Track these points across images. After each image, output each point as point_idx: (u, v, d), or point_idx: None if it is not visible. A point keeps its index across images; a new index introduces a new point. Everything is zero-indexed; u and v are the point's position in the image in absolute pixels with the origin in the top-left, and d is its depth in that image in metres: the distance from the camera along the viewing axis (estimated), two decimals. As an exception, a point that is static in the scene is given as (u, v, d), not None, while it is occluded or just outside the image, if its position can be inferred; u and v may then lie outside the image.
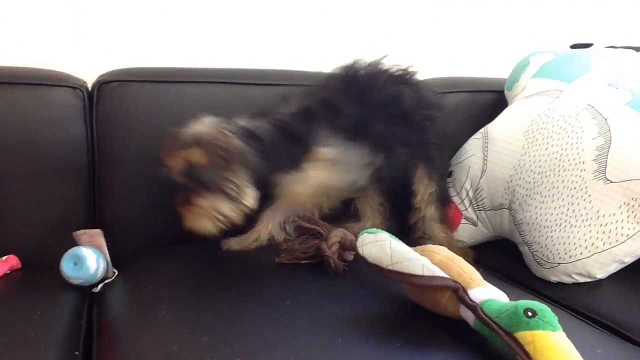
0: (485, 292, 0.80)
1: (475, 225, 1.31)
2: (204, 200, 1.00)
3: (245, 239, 1.18)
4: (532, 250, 1.16)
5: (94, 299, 1.05)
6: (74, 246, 1.15)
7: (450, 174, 1.36)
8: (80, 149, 1.21)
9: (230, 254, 1.16)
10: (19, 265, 1.15)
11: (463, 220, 1.32)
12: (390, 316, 0.87)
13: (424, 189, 1.25)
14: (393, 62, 1.26)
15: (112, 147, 1.24)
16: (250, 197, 1.02)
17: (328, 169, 1.13)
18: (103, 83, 1.23)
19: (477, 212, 1.30)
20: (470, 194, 1.30)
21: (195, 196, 1.00)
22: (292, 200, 1.16)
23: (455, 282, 0.81)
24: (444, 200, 1.28)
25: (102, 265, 1.05)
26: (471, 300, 0.78)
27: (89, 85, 1.24)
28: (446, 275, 0.82)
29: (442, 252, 0.88)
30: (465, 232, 1.33)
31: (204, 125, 1.03)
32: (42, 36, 1.35)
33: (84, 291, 1.06)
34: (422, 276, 0.81)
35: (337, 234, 1.08)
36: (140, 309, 0.93)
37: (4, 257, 1.13)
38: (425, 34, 1.69)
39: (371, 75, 1.19)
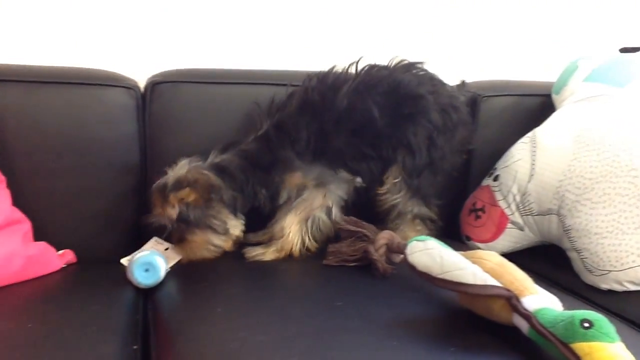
0: (538, 301, 0.80)
1: (521, 230, 1.30)
2: (196, 235, 1.14)
3: (267, 250, 1.19)
4: (581, 257, 1.15)
5: (147, 295, 1.07)
6: (125, 242, 1.20)
7: (496, 178, 1.35)
8: (132, 147, 1.25)
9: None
10: (75, 260, 1.19)
11: (509, 225, 1.32)
12: (442, 320, 0.87)
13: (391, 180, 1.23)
14: (434, 66, 1.27)
15: (163, 145, 1.27)
16: (235, 228, 1.16)
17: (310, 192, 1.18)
18: (156, 84, 1.26)
19: (524, 216, 1.29)
20: (517, 198, 1.30)
21: (188, 233, 1.13)
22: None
23: (508, 290, 0.80)
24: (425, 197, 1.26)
25: (166, 267, 1.08)
26: (525, 309, 0.78)
27: (140, 86, 1.28)
28: (498, 284, 0.82)
29: (492, 258, 0.88)
30: (511, 237, 1.32)
31: (183, 167, 1.13)
32: (93, 38, 1.39)
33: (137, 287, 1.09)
34: (473, 285, 0.81)
35: (384, 237, 1.09)
36: (195, 306, 0.95)
37: (61, 252, 1.16)
38: (470, 37, 1.68)
39: (331, 85, 1.20)
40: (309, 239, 1.17)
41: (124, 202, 1.26)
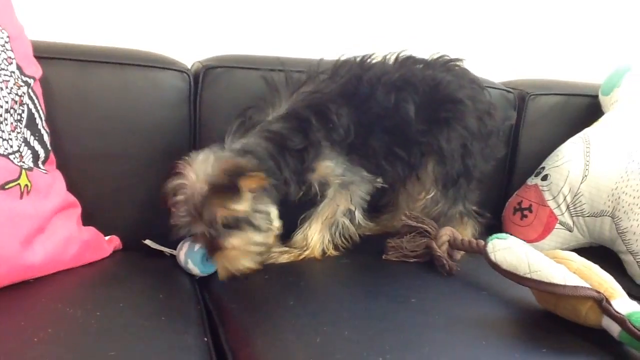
0: (629, 304, 0.79)
1: (570, 231, 1.30)
2: (235, 239, 0.97)
3: (293, 252, 1.12)
4: (637, 260, 1.14)
5: (201, 284, 1.05)
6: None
7: (544, 178, 1.34)
8: (183, 132, 1.22)
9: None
10: (121, 246, 1.15)
11: (557, 225, 1.31)
12: (523, 320, 0.86)
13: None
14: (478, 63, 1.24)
15: (213, 132, 1.23)
16: (276, 219, 1.03)
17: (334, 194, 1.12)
18: (209, 68, 1.22)
19: (574, 217, 1.28)
20: (569, 199, 1.29)
21: (225, 239, 0.96)
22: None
23: (599, 292, 0.79)
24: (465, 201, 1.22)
25: None
26: (617, 312, 0.77)
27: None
28: (588, 285, 0.80)
29: (577, 259, 0.86)
30: (559, 238, 1.31)
31: (205, 162, 0.98)
32: (139, 20, 1.36)
33: (190, 275, 1.06)
34: (564, 286, 0.80)
35: (447, 233, 1.07)
36: (263, 298, 0.93)
37: (107, 237, 1.13)
38: (516, 36, 1.66)
39: (372, 76, 1.11)
40: (332, 246, 1.12)
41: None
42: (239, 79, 1.24)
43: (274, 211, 1.03)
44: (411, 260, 1.07)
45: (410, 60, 1.18)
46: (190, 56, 1.33)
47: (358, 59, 1.16)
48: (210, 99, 1.22)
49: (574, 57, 1.72)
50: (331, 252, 1.12)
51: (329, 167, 1.10)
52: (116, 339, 0.76)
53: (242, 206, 0.95)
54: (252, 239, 0.99)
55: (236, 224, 0.96)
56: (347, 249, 1.13)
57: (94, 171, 1.15)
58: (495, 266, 0.87)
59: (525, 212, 1.36)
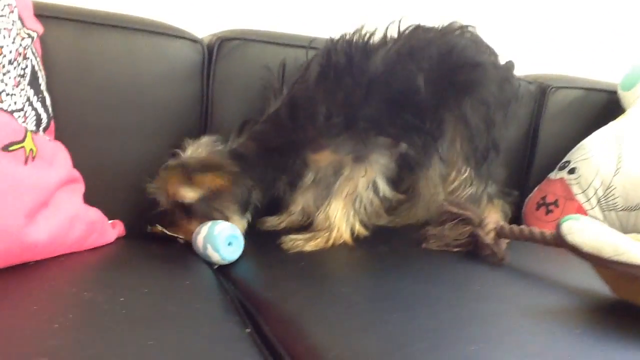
0: None
1: (600, 226, 1.23)
2: (191, 225, 1.00)
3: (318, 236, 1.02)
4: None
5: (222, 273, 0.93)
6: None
7: (572, 171, 1.28)
8: (194, 109, 1.10)
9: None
10: (124, 233, 1.01)
11: (586, 220, 1.23)
12: (598, 309, 0.77)
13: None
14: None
15: (226, 110, 1.13)
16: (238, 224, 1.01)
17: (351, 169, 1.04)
18: (225, 40, 1.11)
19: (606, 212, 1.22)
20: (600, 192, 1.22)
21: (183, 219, 1.01)
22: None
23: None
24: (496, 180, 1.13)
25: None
26: None
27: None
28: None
29: (657, 242, 0.78)
30: (587, 233, 1.24)
31: (202, 148, 1.02)
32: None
33: (207, 262, 0.94)
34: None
35: (493, 220, 0.99)
36: (304, 285, 0.81)
37: (110, 222, 0.99)
38: (536, 32, 1.61)
39: (362, 48, 1.02)
40: (359, 224, 1.03)
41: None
42: (256, 53, 1.14)
43: (236, 219, 1.03)
44: (454, 250, 0.97)
45: (420, 29, 1.07)
46: (199, 31, 1.20)
47: (348, 36, 1.05)
48: (224, 74, 1.11)
49: (589, 55, 1.68)
50: (360, 230, 1.02)
51: (328, 154, 1.03)
52: (151, 326, 0.64)
53: (190, 195, 0.98)
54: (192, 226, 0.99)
55: (199, 211, 0.99)
56: (379, 238, 1.02)
57: (94, 147, 1.02)
58: (574, 249, 0.78)
59: (551, 207, 1.29)
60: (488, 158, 1.09)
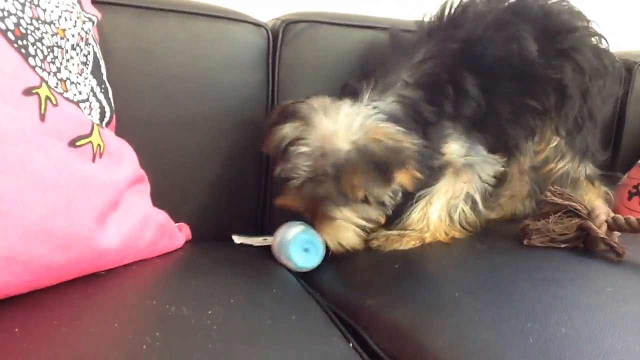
0: None
1: None
2: (350, 212, 0.84)
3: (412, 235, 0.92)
4: None
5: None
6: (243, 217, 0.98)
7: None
8: (259, 97, 1.02)
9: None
10: (190, 236, 0.93)
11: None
12: None
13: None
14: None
15: (294, 97, 1.01)
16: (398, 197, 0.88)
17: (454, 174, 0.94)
18: (290, 23, 1.01)
19: None
20: None
21: (339, 210, 0.83)
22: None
23: None
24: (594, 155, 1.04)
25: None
26: None
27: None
28: None
29: None
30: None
31: (355, 116, 0.81)
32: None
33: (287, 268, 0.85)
34: None
35: (603, 211, 0.87)
36: (405, 291, 0.71)
37: (176, 225, 0.90)
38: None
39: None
40: (455, 229, 0.93)
41: (244, 166, 1.01)
42: (324, 36, 1.04)
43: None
44: (561, 246, 0.86)
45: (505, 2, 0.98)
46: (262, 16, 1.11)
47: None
48: (290, 59, 1.02)
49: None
50: (454, 234, 0.92)
51: (455, 150, 0.92)
52: (249, 342, 0.55)
53: (383, 191, 0.82)
54: (369, 214, 0.85)
55: (367, 199, 0.82)
56: (472, 235, 0.92)
57: (154, 143, 0.93)
58: None
59: (645, 196, 1.17)
60: (583, 129, 0.99)
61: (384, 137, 0.79)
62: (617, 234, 0.88)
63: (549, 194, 0.91)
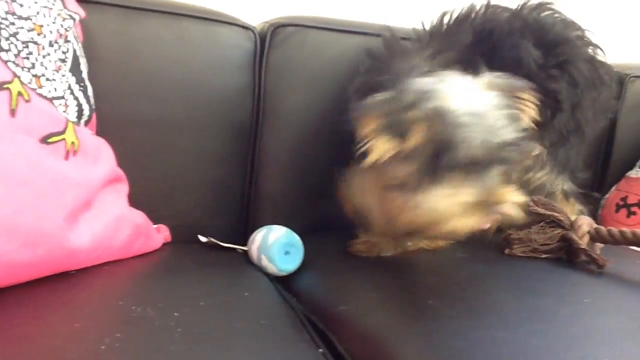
0: None
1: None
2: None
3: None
4: None
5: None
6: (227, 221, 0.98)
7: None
8: (245, 100, 1.01)
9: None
10: (170, 239, 0.92)
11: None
12: None
13: None
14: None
15: (280, 103, 1.02)
16: None
17: None
18: (278, 26, 1.01)
19: None
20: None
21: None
22: None
23: None
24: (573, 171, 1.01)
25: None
26: None
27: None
28: None
29: None
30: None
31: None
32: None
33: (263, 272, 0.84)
34: None
35: (585, 222, 0.86)
36: (382, 297, 0.70)
37: (155, 226, 0.89)
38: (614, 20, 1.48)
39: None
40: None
41: (228, 168, 1.00)
42: (313, 41, 1.03)
43: None
44: (542, 256, 0.85)
45: (499, 9, 0.97)
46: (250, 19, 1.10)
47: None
48: (277, 62, 1.01)
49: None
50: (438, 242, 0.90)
51: None
52: (213, 345, 0.54)
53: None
54: None
55: None
56: (453, 243, 0.91)
57: (138, 142, 0.93)
58: None
59: (634, 209, 1.17)
60: (568, 142, 0.97)
61: None
62: (599, 245, 0.87)
63: (532, 203, 0.90)
